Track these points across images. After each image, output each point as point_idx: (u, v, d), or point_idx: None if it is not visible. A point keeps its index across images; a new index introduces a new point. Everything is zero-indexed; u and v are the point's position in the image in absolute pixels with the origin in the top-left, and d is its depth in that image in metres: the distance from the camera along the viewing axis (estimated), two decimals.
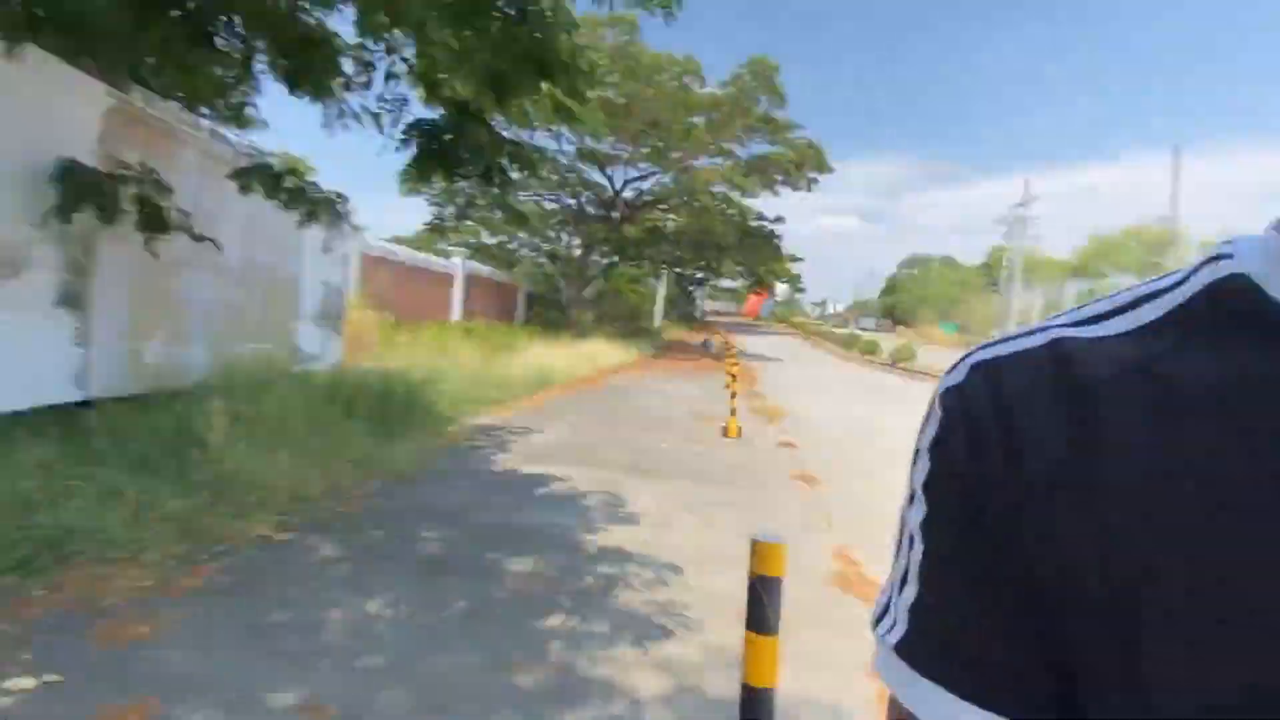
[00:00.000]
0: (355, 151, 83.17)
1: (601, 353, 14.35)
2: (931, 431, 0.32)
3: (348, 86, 4.33)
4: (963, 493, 0.30)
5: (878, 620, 0.33)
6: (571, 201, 20.56)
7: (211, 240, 4.46)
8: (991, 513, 0.29)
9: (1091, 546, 0.27)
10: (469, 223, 19.51)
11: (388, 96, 4.35)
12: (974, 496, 0.29)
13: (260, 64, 4.27)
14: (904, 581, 0.32)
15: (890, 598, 0.33)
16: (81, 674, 2.12)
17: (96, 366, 4.18)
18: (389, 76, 4.32)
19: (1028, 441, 0.28)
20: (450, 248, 18.22)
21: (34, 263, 3.75)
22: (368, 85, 4.37)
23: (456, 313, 15.17)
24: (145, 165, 4.10)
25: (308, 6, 4.08)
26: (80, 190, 3.59)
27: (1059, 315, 0.32)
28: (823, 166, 20.03)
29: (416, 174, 4.61)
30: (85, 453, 3.47)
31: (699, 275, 33.11)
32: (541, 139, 14.58)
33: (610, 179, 20.31)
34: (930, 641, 0.30)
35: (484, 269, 17.80)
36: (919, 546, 0.31)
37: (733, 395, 8.05)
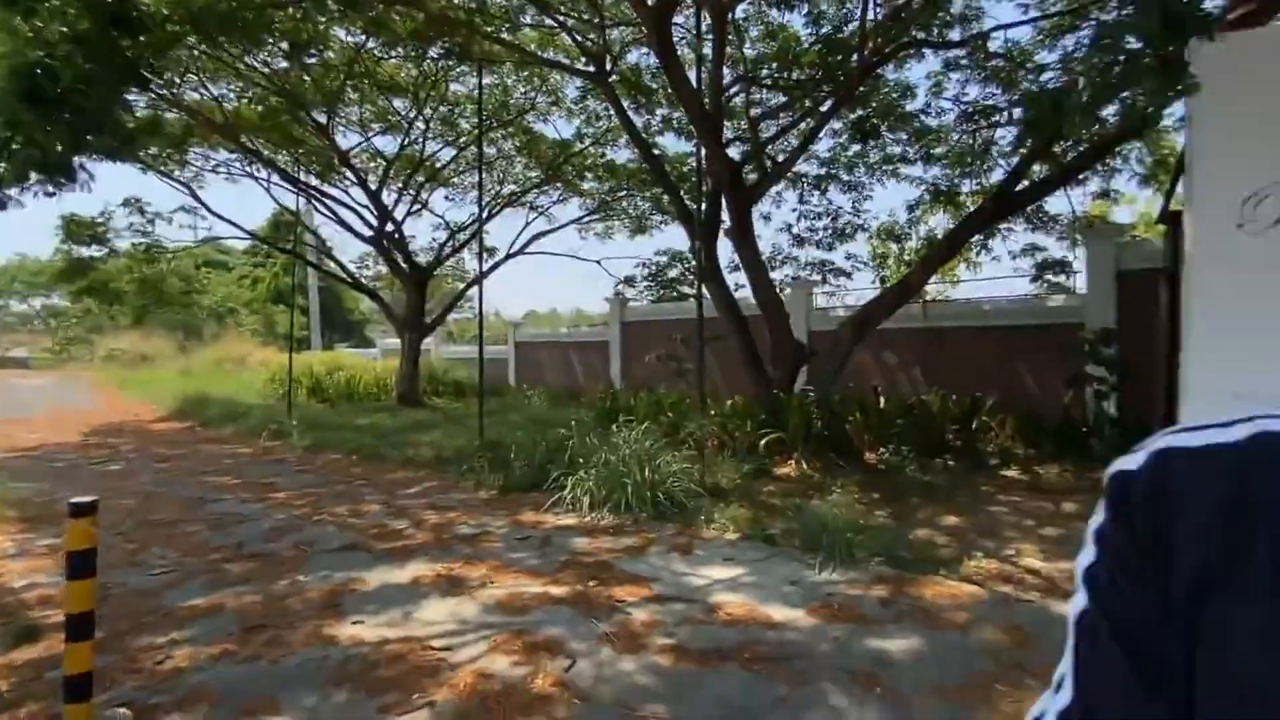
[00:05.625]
0: None
1: None
2: (1098, 519, 0.33)
3: None
4: (1118, 595, 0.30)
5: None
6: None
7: None
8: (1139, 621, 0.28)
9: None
10: None
11: None
12: (1128, 599, 0.29)
13: None
14: (1059, 686, 0.32)
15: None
16: None
17: None
18: None
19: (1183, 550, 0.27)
20: None
21: None
22: None
23: None
24: None
25: None
26: None
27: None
28: None
29: None
30: None
31: None
32: None
33: None
34: None
35: None
36: (1070, 643, 0.32)
37: None
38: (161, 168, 11.96)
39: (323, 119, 11.97)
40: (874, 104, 9.42)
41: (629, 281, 15.42)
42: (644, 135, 11.39)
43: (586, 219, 15.55)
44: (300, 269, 15.82)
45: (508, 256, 14.70)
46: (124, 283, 12.81)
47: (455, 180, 15.11)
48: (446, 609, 3.39)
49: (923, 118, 9.72)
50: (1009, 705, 2.42)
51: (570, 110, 12.80)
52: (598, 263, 14.61)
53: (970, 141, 9.98)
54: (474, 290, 18.19)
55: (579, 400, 11.86)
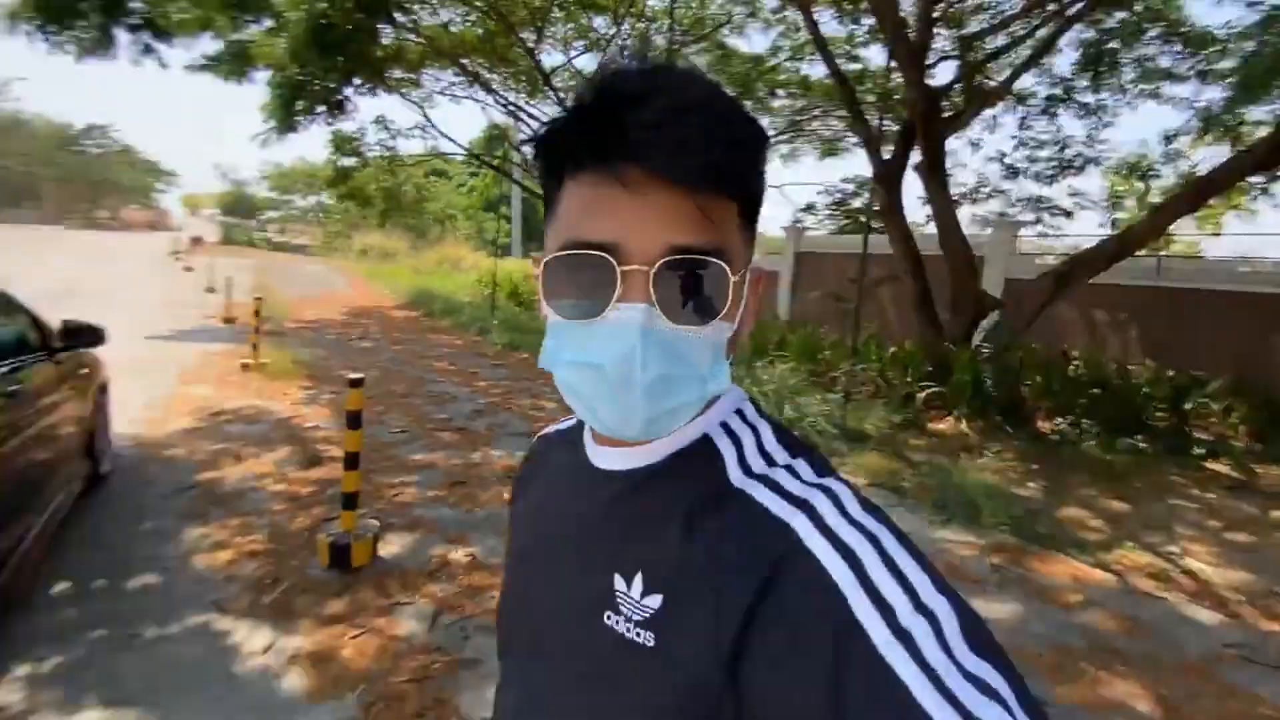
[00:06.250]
0: None
1: None
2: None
3: None
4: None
5: None
6: None
7: None
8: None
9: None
10: None
11: None
12: None
13: None
14: None
15: None
16: None
17: None
18: None
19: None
20: None
21: None
22: None
23: None
24: None
25: None
26: None
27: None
28: None
29: None
30: None
31: None
32: None
33: None
34: None
35: None
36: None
37: None
38: (401, 90, 13.76)
39: (531, 40, 12.80)
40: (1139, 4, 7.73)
41: (809, 209, 14.88)
42: (843, 46, 10.60)
43: (773, 140, 15.05)
44: (502, 182, 17.47)
45: None
46: (372, 189, 15.34)
47: None
48: None
49: (1201, 23, 7.84)
50: (1084, 684, 2.49)
51: (767, 21, 12.24)
52: (778, 189, 14.26)
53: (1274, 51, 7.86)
54: None
55: None
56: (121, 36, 5.63)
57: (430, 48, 12.55)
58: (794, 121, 14.12)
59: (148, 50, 5.94)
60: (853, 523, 0.41)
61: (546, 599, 0.53)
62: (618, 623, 0.45)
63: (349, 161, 15.06)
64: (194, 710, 2.05)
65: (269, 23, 9.26)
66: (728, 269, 0.43)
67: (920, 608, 0.37)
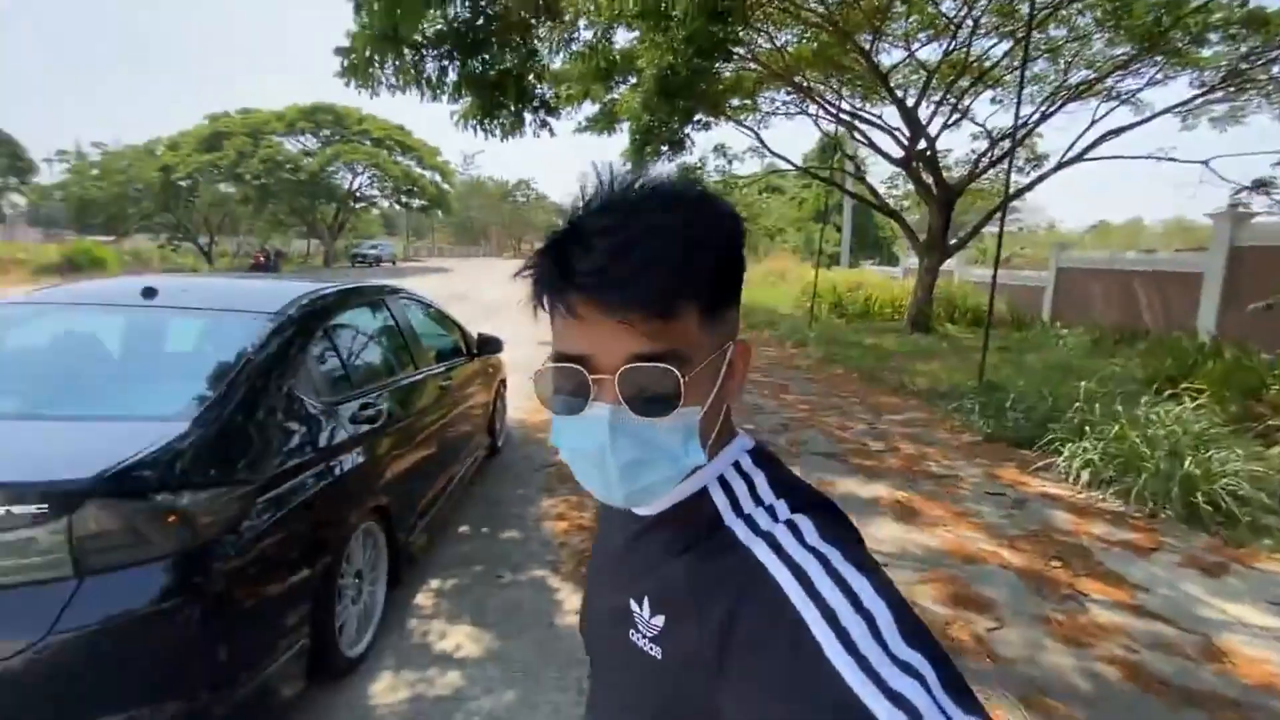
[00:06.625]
0: None
1: None
2: None
3: None
4: None
5: None
6: None
7: None
8: None
9: None
10: None
11: None
12: None
13: None
14: None
15: None
16: None
17: None
18: None
19: None
20: None
21: None
22: None
23: None
24: None
25: None
26: None
27: None
28: None
29: None
30: None
31: None
32: None
33: None
34: None
35: None
36: None
37: None
38: (738, 118, 14.73)
39: (866, 42, 12.35)
40: None
41: (1260, 186, 10.81)
42: None
43: (1199, 100, 11.41)
44: (833, 192, 17.17)
45: (1059, 166, 12.38)
46: None
47: (1008, 78, 13.35)
48: (892, 532, 3.81)
49: None
50: None
51: None
52: (1205, 163, 10.77)
53: None
54: (1015, 204, 15.97)
55: (1133, 347, 9.52)
56: (527, 117, 7.52)
57: (766, 72, 13.17)
58: (1233, 71, 10.48)
59: (544, 124, 7.77)
60: (807, 547, 0.48)
61: (596, 614, 0.67)
62: (638, 639, 0.55)
63: None
64: (524, 646, 2.63)
65: (633, 80, 11.04)
66: (677, 371, 0.50)
67: (860, 609, 0.44)
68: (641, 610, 0.56)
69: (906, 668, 0.41)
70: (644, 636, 0.55)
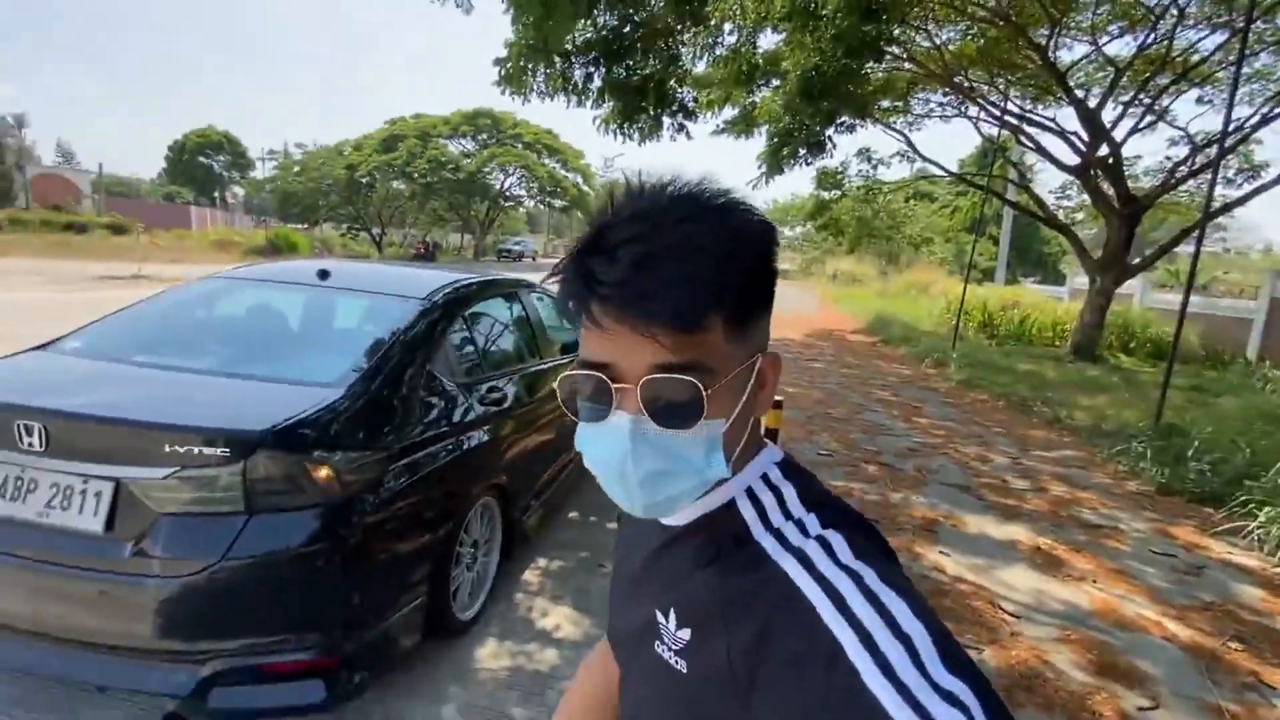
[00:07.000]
0: None
1: None
2: None
3: None
4: None
5: None
6: None
7: None
8: None
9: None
10: None
11: None
12: None
13: None
14: None
15: None
16: None
17: None
18: None
19: None
20: None
21: None
22: None
23: None
24: None
25: None
26: None
27: None
28: None
29: None
30: None
31: None
32: None
33: None
34: None
35: None
36: None
37: None
38: (887, 120, 13.94)
39: (1042, 38, 11.16)
40: None
41: None
42: None
43: None
44: (991, 201, 15.70)
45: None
46: (846, 219, 16.09)
47: (1220, 75, 11.45)
48: (1031, 581, 3.42)
49: None
50: None
51: None
52: None
53: None
54: (1222, 220, 13.54)
55: None
56: (665, 121, 7.63)
57: (922, 72, 12.34)
58: None
59: (681, 128, 7.84)
60: (839, 565, 0.47)
61: (622, 623, 0.66)
62: (664, 651, 0.55)
63: (829, 194, 16.16)
64: None
65: (775, 83, 10.83)
66: (700, 383, 0.49)
67: (897, 632, 0.42)
68: (667, 622, 0.55)
69: (949, 697, 0.39)
70: (669, 649, 0.54)
